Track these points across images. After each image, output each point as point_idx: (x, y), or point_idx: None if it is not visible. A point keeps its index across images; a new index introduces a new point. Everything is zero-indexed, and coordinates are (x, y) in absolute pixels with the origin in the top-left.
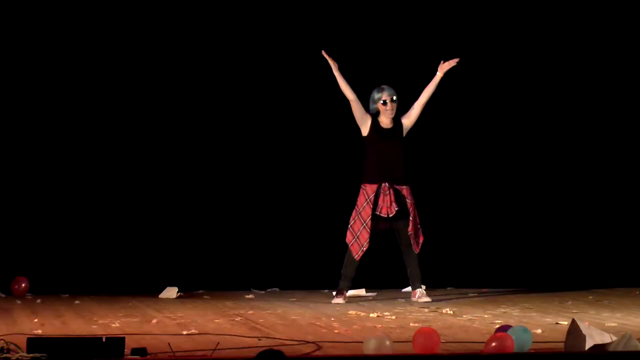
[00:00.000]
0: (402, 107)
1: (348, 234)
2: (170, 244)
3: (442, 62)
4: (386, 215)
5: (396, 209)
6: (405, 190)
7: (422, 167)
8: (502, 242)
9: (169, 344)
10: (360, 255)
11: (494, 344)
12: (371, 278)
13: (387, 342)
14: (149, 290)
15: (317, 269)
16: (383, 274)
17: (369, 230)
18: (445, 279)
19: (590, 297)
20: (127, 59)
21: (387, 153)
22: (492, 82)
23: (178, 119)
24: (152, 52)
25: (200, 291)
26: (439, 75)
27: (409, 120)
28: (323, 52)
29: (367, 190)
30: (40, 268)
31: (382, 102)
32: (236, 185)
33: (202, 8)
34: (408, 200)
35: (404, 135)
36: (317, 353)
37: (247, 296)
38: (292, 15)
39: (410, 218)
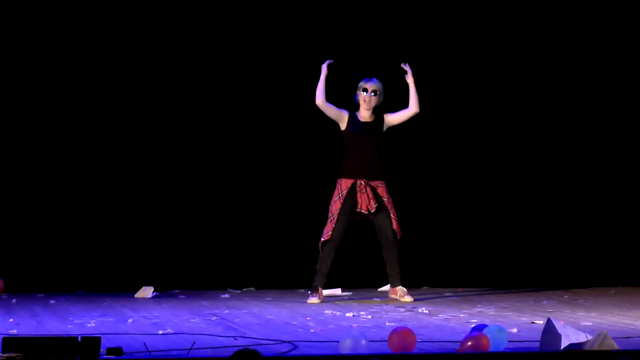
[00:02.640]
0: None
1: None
2: (145, 243)
3: (405, 75)
4: (366, 212)
5: (375, 205)
6: (380, 186)
7: (397, 164)
8: (478, 241)
9: (144, 343)
10: (320, 243)
11: (469, 343)
12: (347, 277)
13: (363, 342)
14: (125, 290)
15: (292, 269)
16: (359, 273)
17: (333, 224)
18: (421, 278)
19: (566, 296)
20: (124, 59)
21: (364, 148)
22: (484, 78)
23: (156, 121)
24: (148, 53)
25: (176, 290)
26: (411, 84)
27: (391, 118)
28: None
29: (342, 185)
30: (16, 268)
31: (362, 89)
32: (211, 184)
33: (200, 8)
34: (385, 198)
35: (384, 130)
36: (293, 352)
37: (222, 295)
38: (274, 18)
39: (392, 215)
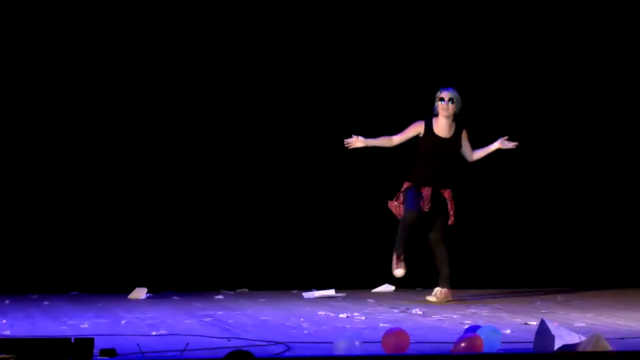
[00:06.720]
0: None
1: (391, 207)
2: (139, 245)
3: (504, 138)
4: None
5: (429, 207)
6: (447, 193)
7: (399, 166)
8: (471, 242)
9: (138, 344)
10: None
11: (463, 344)
12: (340, 279)
13: (357, 343)
14: (118, 291)
15: (286, 270)
16: (352, 274)
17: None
18: (415, 279)
19: (559, 297)
20: (126, 59)
21: (437, 163)
22: (485, 80)
23: (152, 124)
24: (151, 53)
25: (170, 292)
26: (496, 146)
27: (464, 140)
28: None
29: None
30: (9, 268)
31: (439, 99)
32: (204, 186)
33: (201, 8)
34: (449, 203)
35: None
36: (287, 354)
37: (216, 297)
38: (289, 16)
39: (451, 215)
